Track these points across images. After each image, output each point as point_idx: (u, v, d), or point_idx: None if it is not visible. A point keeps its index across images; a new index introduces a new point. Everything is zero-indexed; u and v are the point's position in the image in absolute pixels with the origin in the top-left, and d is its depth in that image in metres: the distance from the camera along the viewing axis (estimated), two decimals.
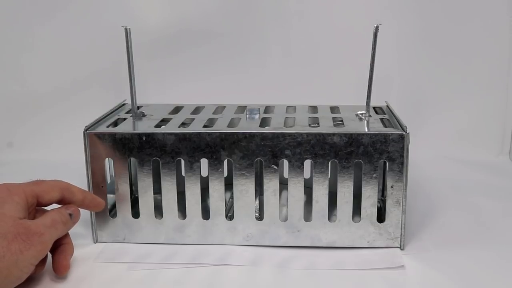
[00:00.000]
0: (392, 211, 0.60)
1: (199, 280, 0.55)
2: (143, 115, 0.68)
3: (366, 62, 0.64)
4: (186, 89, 0.93)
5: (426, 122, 0.94)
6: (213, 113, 0.68)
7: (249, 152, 0.59)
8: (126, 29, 0.64)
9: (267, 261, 0.59)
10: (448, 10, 0.91)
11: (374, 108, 0.71)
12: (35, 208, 0.56)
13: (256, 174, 0.61)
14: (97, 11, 0.91)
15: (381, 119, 0.65)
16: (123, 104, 0.74)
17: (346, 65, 0.92)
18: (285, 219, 0.61)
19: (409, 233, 0.64)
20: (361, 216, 0.60)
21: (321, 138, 0.59)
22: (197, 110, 0.71)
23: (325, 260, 0.59)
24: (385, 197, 0.60)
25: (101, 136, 0.60)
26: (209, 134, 0.60)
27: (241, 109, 0.70)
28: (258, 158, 0.60)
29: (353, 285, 0.54)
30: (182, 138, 0.60)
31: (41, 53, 0.92)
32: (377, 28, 0.62)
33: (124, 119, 0.67)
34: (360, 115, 0.65)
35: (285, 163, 0.60)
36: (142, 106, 0.72)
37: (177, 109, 0.71)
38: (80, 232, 0.63)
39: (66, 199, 0.57)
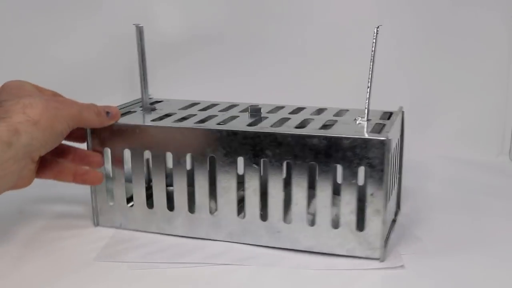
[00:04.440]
0: (372, 220, 0.57)
1: (200, 280, 0.55)
2: (153, 109, 0.69)
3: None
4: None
5: (426, 122, 0.94)
6: (220, 111, 0.69)
7: (231, 150, 0.59)
8: (138, 27, 0.67)
9: (277, 263, 0.58)
10: (448, 10, 0.91)
11: (385, 113, 0.67)
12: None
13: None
14: (100, 12, 0.91)
15: (378, 124, 0.62)
16: (151, 99, 0.76)
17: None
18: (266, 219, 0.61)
19: (408, 233, 0.64)
20: (340, 223, 0.58)
21: (301, 140, 0.57)
22: (208, 107, 0.71)
23: (321, 260, 0.58)
24: (366, 204, 0.57)
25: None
26: (194, 129, 0.61)
27: (252, 108, 0.68)
28: (241, 157, 0.59)
29: (352, 285, 0.54)
30: (169, 132, 0.61)
31: (41, 53, 0.92)
32: (377, 29, 0.61)
33: (134, 112, 0.68)
34: (358, 119, 0.63)
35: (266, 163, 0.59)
36: (162, 101, 0.74)
37: (191, 105, 0.72)
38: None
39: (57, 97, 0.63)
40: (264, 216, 0.61)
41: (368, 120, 0.62)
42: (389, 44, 0.92)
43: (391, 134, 0.57)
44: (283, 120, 0.64)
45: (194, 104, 0.72)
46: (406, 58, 0.93)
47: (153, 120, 0.64)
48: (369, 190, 0.56)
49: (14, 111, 0.54)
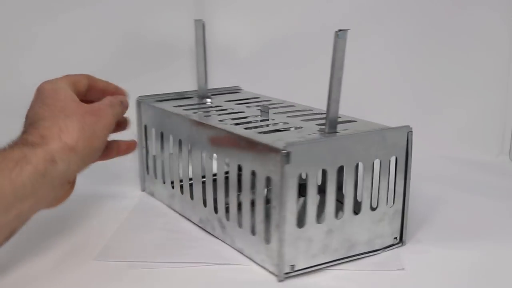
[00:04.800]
0: (273, 234, 0.52)
1: (200, 279, 0.55)
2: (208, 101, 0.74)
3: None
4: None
5: (426, 122, 0.94)
6: (247, 106, 0.70)
7: (197, 142, 0.62)
8: (199, 22, 0.71)
9: None
10: (448, 10, 0.91)
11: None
12: None
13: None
14: (99, 13, 0.91)
15: (311, 134, 0.57)
16: (238, 89, 0.80)
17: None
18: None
19: (409, 233, 0.64)
20: (256, 231, 0.55)
21: (228, 136, 0.57)
22: (248, 102, 0.73)
23: None
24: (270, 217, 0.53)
25: (147, 106, 0.71)
26: (184, 119, 0.64)
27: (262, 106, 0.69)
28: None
29: (351, 285, 0.54)
30: (169, 117, 0.67)
31: (41, 53, 0.92)
32: (338, 33, 0.53)
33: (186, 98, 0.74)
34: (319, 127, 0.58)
35: None
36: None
37: (240, 100, 0.74)
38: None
39: (92, 86, 0.61)
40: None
41: (326, 130, 0.56)
42: (389, 44, 0.92)
43: (298, 147, 0.51)
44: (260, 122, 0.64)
45: (242, 100, 0.74)
46: (406, 58, 0.93)
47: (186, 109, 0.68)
48: (273, 203, 0.52)
49: (51, 136, 0.51)
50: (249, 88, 0.82)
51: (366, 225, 0.57)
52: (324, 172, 0.55)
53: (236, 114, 0.66)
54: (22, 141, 0.51)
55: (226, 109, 0.69)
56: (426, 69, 0.93)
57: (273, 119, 0.63)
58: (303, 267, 0.54)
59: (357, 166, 0.57)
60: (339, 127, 0.57)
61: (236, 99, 0.75)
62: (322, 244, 0.54)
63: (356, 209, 0.56)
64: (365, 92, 0.93)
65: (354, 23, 0.91)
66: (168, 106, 0.69)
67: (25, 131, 0.53)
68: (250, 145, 0.54)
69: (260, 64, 0.93)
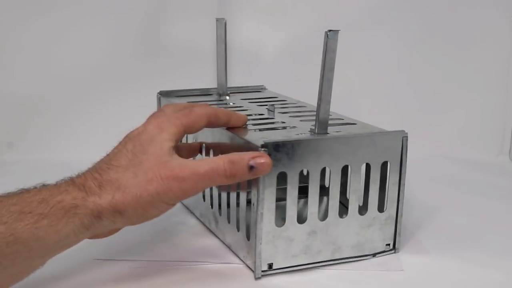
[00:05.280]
0: (252, 232, 0.53)
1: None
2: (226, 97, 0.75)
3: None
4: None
5: (426, 122, 0.94)
6: (259, 105, 0.70)
7: (199, 136, 0.62)
8: (221, 21, 0.72)
9: None
10: (448, 10, 0.91)
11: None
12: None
13: None
14: (96, 12, 0.91)
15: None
16: (262, 88, 0.80)
17: None
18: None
19: (408, 233, 0.64)
20: (240, 227, 0.56)
21: (219, 132, 0.58)
22: (262, 101, 0.72)
23: None
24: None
25: (166, 101, 0.72)
26: None
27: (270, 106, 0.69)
28: None
29: (350, 285, 0.54)
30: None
31: (41, 54, 0.92)
32: (327, 34, 0.52)
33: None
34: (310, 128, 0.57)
35: None
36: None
37: (256, 99, 0.74)
38: None
39: (211, 124, 0.55)
40: None
41: (314, 131, 0.55)
42: (389, 44, 0.92)
43: (277, 145, 0.51)
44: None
45: (259, 99, 0.74)
46: (406, 58, 0.93)
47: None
48: (252, 200, 0.52)
49: (106, 189, 0.47)
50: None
51: (354, 229, 0.55)
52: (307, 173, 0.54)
53: (242, 111, 0.65)
54: (81, 182, 0.48)
55: (236, 107, 0.69)
56: (426, 69, 0.93)
57: (273, 118, 0.63)
58: (283, 266, 0.54)
59: (344, 169, 0.55)
60: (335, 129, 0.57)
61: (253, 97, 0.75)
62: (304, 245, 0.54)
63: (345, 212, 0.55)
64: (365, 92, 0.93)
65: (354, 23, 0.92)
66: (182, 101, 0.69)
67: (93, 168, 0.50)
68: (234, 141, 0.55)
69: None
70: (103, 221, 0.48)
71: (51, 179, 0.51)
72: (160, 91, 0.74)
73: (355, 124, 0.60)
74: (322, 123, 0.55)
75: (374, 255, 0.57)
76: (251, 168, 0.48)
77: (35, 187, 0.48)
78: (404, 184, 0.56)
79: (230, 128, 0.57)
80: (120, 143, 0.51)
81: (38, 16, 0.90)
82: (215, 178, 0.48)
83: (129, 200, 0.47)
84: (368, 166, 0.55)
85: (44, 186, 0.48)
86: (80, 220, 0.47)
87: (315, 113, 0.64)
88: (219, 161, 0.49)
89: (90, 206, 0.47)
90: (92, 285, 0.53)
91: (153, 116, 0.53)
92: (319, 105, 0.54)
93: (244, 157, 0.49)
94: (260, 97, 0.75)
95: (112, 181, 0.48)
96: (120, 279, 0.54)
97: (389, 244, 0.58)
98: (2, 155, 0.92)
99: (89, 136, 0.89)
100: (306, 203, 0.54)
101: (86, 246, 0.60)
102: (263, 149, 0.50)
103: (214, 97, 0.75)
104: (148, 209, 0.48)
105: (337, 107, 0.69)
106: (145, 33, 0.92)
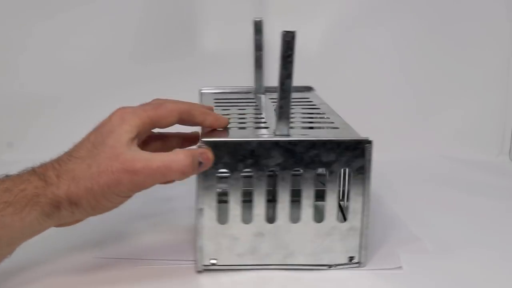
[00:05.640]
0: (196, 227, 0.54)
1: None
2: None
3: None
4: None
5: (426, 122, 0.94)
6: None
7: None
8: (258, 21, 0.76)
9: None
10: (448, 10, 0.91)
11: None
12: (156, 135, 0.57)
13: None
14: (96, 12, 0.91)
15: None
16: (308, 89, 0.80)
17: None
18: None
19: (408, 233, 0.64)
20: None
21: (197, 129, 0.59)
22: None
23: None
24: None
25: (206, 97, 0.74)
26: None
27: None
28: None
29: (350, 285, 0.54)
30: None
31: (40, 53, 0.92)
32: (283, 33, 0.50)
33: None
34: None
35: None
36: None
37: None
38: None
39: (184, 122, 0.54)
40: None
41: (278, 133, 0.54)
42: (389, 43, 0.92)
43: (216, 143, 0.51)
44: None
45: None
46: (406, 57, 0.92)
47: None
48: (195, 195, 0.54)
49: (63, 179, 0.48)
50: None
51: (308, 236, 0.54)
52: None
53: (248, 110, 0.67)
54: (41, 171, 0.49)
55: (252, 105, 0.70)
56: (426, 68, 0.93)
57: (263, 118, 0.63)
58: (227, 264, 0.54)
59: (294, 174, 0.53)
60: (303, 132, 0.56)
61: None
62: (250, 245, 0.54)
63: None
64: (365, 91, 0.93)
65: (354, 24, 0.92)
66: (212, 97, 0.72)
67: (56, 159, 0.51)
68: (197, 138, 0.57)
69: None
70: (62, 212, 0.49)
71: None
72: (202, 88, 0.78)
73: (337, 128, 0.58)
74: (280, 125, 0.53)
75: (331, 266, 0.55)
76: (199, 163, 0.50)
77: None
78: (369, 195, 0.53)
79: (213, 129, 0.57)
80: (87, 134, 0.52)
81: (40, 17, 0.90)
82: (168, 174, 0.49)
83: (82, 191, 0.48)
84: (328, 173, 0.53)
85: (7, 176, 0.50)
86: (41, 208, 0.48)
87: (316, 116, 0.65)
88: (174, 157, 0.49)
89: (49, 196, 0.48)
90: (92, 285, 0.54)
91: (120, 107, 0.52)
92: (278, 106, 0.53)
93: (195, 153, 0.50)
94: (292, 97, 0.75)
95: (69, 171, 0.49)
96: (120, 279, 0.54)
97: (353, 257, 0.55)
98: (2, 155, 0.92)
99: None
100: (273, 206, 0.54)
101: (86, 246, 0.60)
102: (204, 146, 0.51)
103: (248, 95, 0.77)
104: (101, 200, 0.48)
105: (338, 107, 0.70)
106: (149, 33, 0.92)
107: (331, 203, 0.54)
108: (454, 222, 0.68)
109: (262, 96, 0.77)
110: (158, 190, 0.54)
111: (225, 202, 0.54)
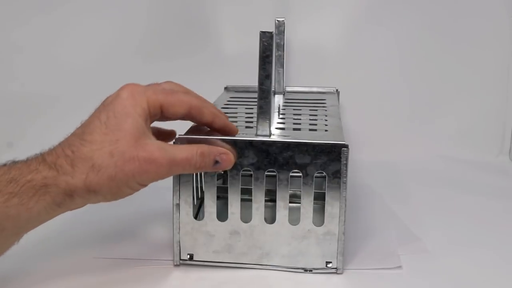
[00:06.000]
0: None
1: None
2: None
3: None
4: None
5: (426, 122, 0.94)
6: (284, 106, 0.70)
7: None
8: (279, 21, 0.77)
9: None
10: (448, 10, 0.91)
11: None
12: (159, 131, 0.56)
13: None
14: (94, 11, 0.91)
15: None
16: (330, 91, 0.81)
17: None
18: None
19: (408, 233, 0.63)
20: None
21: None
22: (296, 103, 0.74)
23: None
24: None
25: (230, 94, 0.76)
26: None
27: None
28: None
29: (350, 285, 0.54)
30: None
31: (40, 53, 0.92)
32: (262, 34, 0.51)
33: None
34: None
35: None
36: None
37: (294, 100, 0.75)
38: None
39: (192, 118, 0.53)
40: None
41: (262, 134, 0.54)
42: (389, 44, 0.92)
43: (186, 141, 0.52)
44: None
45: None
46: (406, 58, 0.92)
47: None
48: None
49: (79, 168, 0.47)
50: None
51: (284, 238, 0.54)
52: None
53: (255, 109, 0.66)
54: (52, 160, 0.48)
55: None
56: (426, 68, 0.93)
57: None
58: (203, 260, 0.55)
59: (268, 175, 0.53)
60: (288, 133, 0.56)
61: (297, 98, 0.76)
62: (226, 243, 0.54)
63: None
64: (365, 91, 0.93)
65: (354, 24, 0.92)
66: (230, 95, 0.74)
67: (64, 143, 0.49)
68: (173, 136, 0.56)
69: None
70: (75, 199, 0.48)
71: None
72: (227, 85, 0.80)
73: (326, 131, 0.58)
74: (261, 126, 0.53)
75: (307, 270, 0.55)
76: (216, 162, 0.50)
77: (4, 165, 0.48)
78: (345, 200, 0.52)
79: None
80: (95, 111, 0.50)
81: (38, 16, 0.90)
82: (186, 167, 0.49)
83: (104, 180, 0.47)
84: (303, 175, 0.53)
85: (14, 163, 0.48)
86: (51, 198, 0.47)
87: (314, 121, 0.64)
88: (193, 151, 0.49)
89: (62, 186, 0.47)
90: (92, 285, 0.54)
91: (129, 83, 0.50)
92: (258, 107, 0.53)
93: (213, 151, 0.50)
94: (305, 98, 0.76)
95: (86, 159, 0.47)
96: (120, 279, 0.54)
97: (330, 262, 0.54)
98: (2, 155, 0.91)
99: None
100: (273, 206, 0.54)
101: (85, 245, 0.60)
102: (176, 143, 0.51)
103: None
104: (123, 188, 0.48)
105: (339, 107, 0.70)
106: (151, 31, 0.92)
107: (306, 206, 0.53)
108: (453, 222, 0.68)
109: (277, 96, 0.77)
110: (158, 190, 0.55)
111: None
